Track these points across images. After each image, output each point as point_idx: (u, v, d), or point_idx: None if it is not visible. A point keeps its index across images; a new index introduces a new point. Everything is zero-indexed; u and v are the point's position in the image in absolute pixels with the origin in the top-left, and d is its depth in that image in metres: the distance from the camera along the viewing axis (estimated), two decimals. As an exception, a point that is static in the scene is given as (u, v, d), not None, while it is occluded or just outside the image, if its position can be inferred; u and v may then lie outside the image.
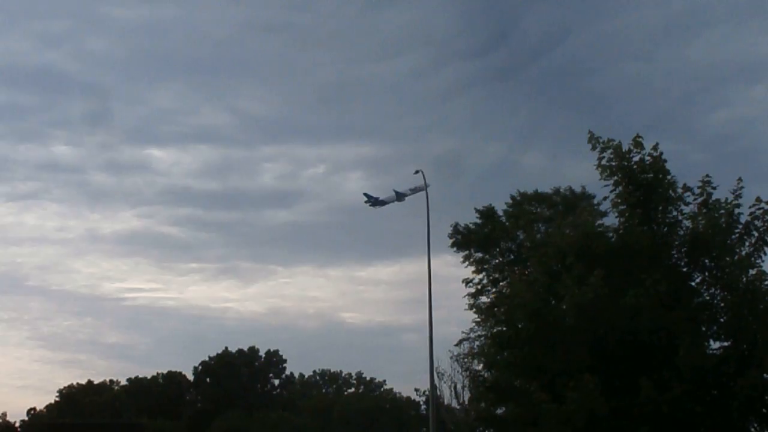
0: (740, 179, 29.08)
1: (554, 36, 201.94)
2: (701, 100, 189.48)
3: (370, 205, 66.07)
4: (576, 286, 27.00)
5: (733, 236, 28.89)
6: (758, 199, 28.85)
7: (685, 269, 29.05)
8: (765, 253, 28.90)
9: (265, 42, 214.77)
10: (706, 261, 28.73)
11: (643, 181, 28.80)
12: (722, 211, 28.75)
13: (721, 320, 28.46)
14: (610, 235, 29.31)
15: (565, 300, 27.48)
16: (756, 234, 28.87)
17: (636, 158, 29.13)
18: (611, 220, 30.38)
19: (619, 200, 29.18)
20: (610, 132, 29.74)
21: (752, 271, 28.38)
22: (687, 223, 29.15)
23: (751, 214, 28.88)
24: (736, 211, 28.86)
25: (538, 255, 30.34)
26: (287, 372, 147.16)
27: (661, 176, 28.91)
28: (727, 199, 28.97)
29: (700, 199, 29.23)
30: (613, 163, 29.20)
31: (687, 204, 29.36)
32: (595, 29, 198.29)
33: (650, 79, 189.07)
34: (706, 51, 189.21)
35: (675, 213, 29.34)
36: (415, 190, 64.89)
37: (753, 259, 28.78)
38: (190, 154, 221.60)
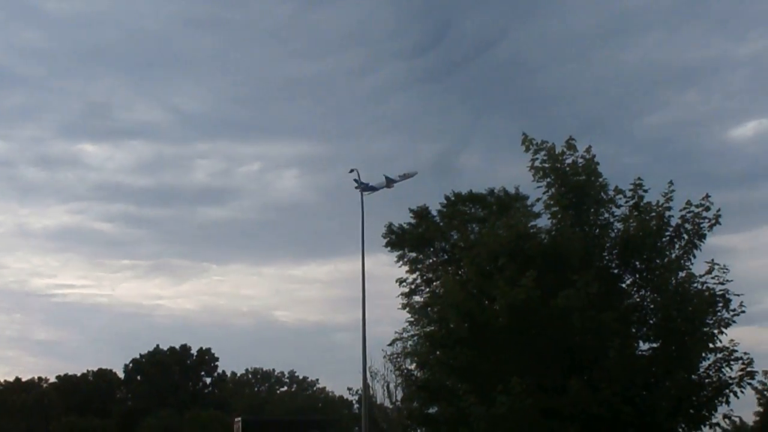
0: (671, 182, 29.54)
1: (490, 37, 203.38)
2: (635, 103, 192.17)
3: (360, 190, 65.69)
4: (508, 286, 27.05)
5: (664, 239, 29.18)
6: (689, 202, 29.29)
7: (616, 271, 29.25)
8: (694, 256, 29.30)
9: (200, 38, 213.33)
10: (637, 263, 28.95)
11: (575, 183, 28.96)
12: (653, 214, 29.06)
13: (651, 322, 28.76)
14: (543, 236, 29.46)
15: (498, 301, 27.55)
16: (686, 237, 29.24)
17: (569, 160, 29.34)
18: (544, 221, 30.52)
19: (552, 202, 29.30)
20: (545, 134, 29.96)
21: (681, 274, 28.80)
22: (618, 225, 29.34)
23: (681, 217, 29.29)
24: (667, 213, 29.20)
25: (470, 255, 30.36)
26: (219, 370, 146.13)
27: (593, 178, 29.13)
28: (658, 201, 29.32)
29: (631, 202, 29.49)
30: (546, 165, 29.35)
31: (619, 206, 29.59)
32: (530, 31, 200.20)
33: (585, 82, 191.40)
34: (640, 55, 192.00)
35: (607, 215, 29.54)
36: (404, 177, 65.09)
37: (682, 261, 29.15)
38: (123, 149, 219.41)
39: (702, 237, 29.28)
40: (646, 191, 29.52)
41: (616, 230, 29.34)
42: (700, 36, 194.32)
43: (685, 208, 29.22)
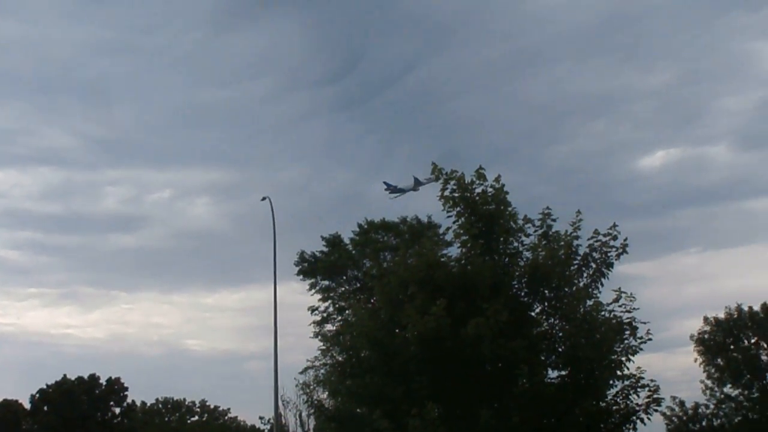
0: (579, 212, 29.99)
1: (402, 66, 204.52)
2: (545, 133, 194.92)
3: (389, 193, 64.93)
4: (418, 315, 27.05)
5: (572, 267, 29.58)
6: (596, 232, 29.78)
7: (525, 299, 29.42)
8: (602, 284, 29.76)
9: (110, 64, 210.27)
10: (546, 291, 29.20)
11: (485, 212, 29.13)
12: (561, 243, 29.46)
13: (560, 350, 29.00)
14: (453, 265, 29.52)
15: (408, 329, 27.50)
16: (594, 265, 29.72)
17: (479, 190, 29.51)
18: (456, 250, 30.62)
19: (462, 231, 29.42)
20: (456, 163, 30.13)
21: (589, 302, 29.16)
22: (527, 254, 29.59)
23: (589, 245, 29.76)
24: (575, 242, 29.65)
25: (381, 284, 30.30)
26: (129, 400, 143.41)
27: (502, 208, 29.33)
28: (566, 231, 29.74)
29: (540, 231, 29.84)
30: (456, 194, 29.49)
31: (528, 235, 29.89)
32: (442, 61, 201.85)
33: (495, 112, 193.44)
34: (550, 85, 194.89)
35: (516, 244, 29.77)
36: (429, 180, 64.45)
37: (590, 290, 29.59)
38: (30, 176, 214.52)
39: (609, 265, 29.77)
40: (554, 220, 29.95)
41: (525, 259, 29.55)
42: (609, 67, 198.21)
43: (592, 237, 29.72)
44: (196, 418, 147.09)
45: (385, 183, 67.57)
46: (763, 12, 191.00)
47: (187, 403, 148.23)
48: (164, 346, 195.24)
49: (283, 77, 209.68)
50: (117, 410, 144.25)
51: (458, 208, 29.53)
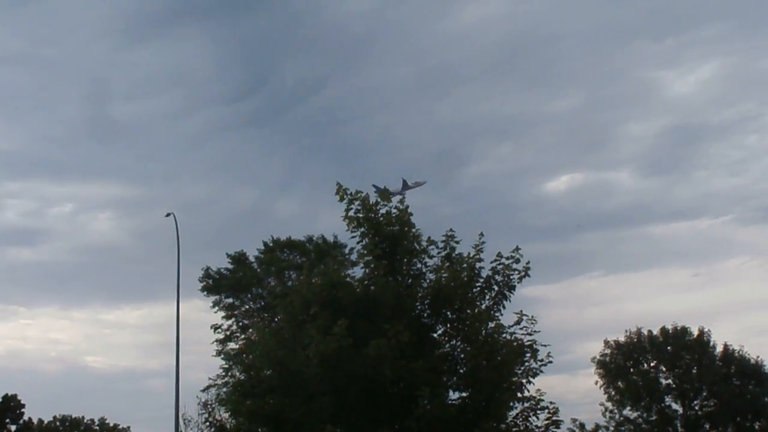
0: (482, 234, 30.19)
1: (311, 85, 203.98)
2: (452, 154, 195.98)
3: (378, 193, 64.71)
4: (320, 335, 26.92)
5: (475, 289, 29.75)
6: (499, 255, 30.03)
7: (427, 321, 29.48)
8: (504, 307, 30.00)
9: (14, 75, 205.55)
10: (448, 313, 29.31)
11: (389, 233, 29.19)
12: (464, 265, 29.63)
13: (461, 371, 29.11)
14: (356, 285, 29.45)
15: (309, 349, 27.31)
16: (496, 288, 29.95)
17: (383, 210, 29.55)
18: (360, 270, 30.56)
19: (365, 251, 29.43)
20: (363, 183, 30.16)
21: (491, 324, 29.31)
22: (431, 275, 29.70)
23: (492, 268, 29.96)
24: (478, 265, 29.83)
25: (284, 303, 30.12)
26: (26, 417, 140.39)
27: (406, 229, 29.43)
28: (469, 253, 29.92)
29: (443, 253, 30.01)
30: (361, 215, 29.48)
31: (431, 257, 30.01)
32: (352, 80, 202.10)
33: (404, 132, 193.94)
34: (458, 107, 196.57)
35: (419, 265, 29.90)
36: (417, 184, 63.48)
37: (492, 312, 29.80)
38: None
39: (512, 288, 30.04)
40: (458, 242, 30.15)
41: (428, 280, 29.66)
42: (516, 91, 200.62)
43: (495, 260, 29.97)
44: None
45: (374, 186, 68.53)
46: (667, 42, 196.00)
47: (85, 420, 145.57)
48: (63, 362, 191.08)
49: (190, 93, 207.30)
50: (13, 428, 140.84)
51: (362, 229, 29.53)
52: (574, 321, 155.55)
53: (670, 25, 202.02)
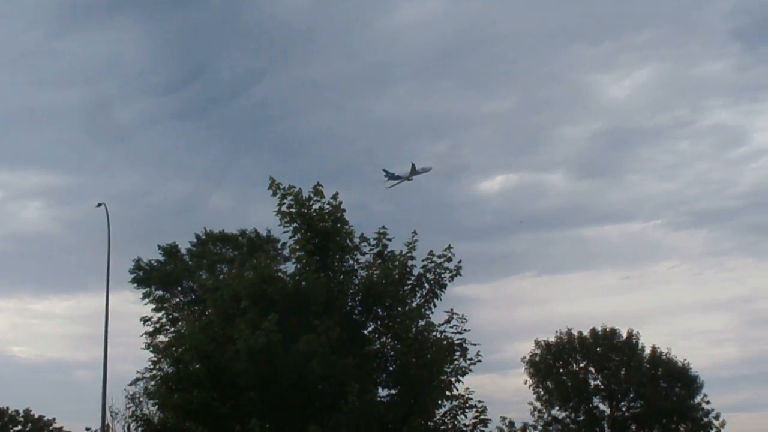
0: (414, 232, 30.26)
1: (248, 78, 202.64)
2: (387, 152, 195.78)
3: (386, 180, 65.29)
4: (249, 330, 26.77)
5: (406, 287, 29.81)
6: (431, 253, 30.11)
7: (358, 317, 29.50)
8: (435, 305, 30.10)
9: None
10: (379, 310, 29.41)
11: (321, 229, 29.15)
12: (396, 263, 29.64)
13: (391, 368, 29.16)
14: (288, 280, 29.32)
15: (238, 344, 27.11)
16: (427, 286, 30.04)
17: (316, 206, 29.46)
18: (292, 266, 30.42)
19: (297, 247, 29.31)
20: (298, 178, 30.02)
21: (422, 322, 29.42)
22: (362, 272, 29.72)
23: (424, 266, 30.05)
24: (410, 263, 29.88)
25: (214, 297, 29.89)
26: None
27: (339, 225, 29.43)
28: (401, 251, 29.96)
29: (376, 250, 30.09)
30: (293, 210, 29.35)
31: (363, 254, 30.08)
32: (287, 75, 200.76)
33: (339, 129, 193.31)
34: (393, 105, 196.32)
35: (351, 262, 29.91)
36: (423, 170, 63.17)
37: (423, 310, 29.89)
38: None
39: (443, 287, 30.17)
40: (390, 240, 30.22)
41: (359, 277, 29.67)
42: (452, 91, 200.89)
43: (427, 258, 30.05)
44: (19, 427, 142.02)
45: (384, 170, 69.92)
46: (603, 45, 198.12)
47: (10, 411, 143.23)
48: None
49: (125, 82, 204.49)
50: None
51: (295, 224, 29.41)
52: (505, 320, 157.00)
53: (607, 30, 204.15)
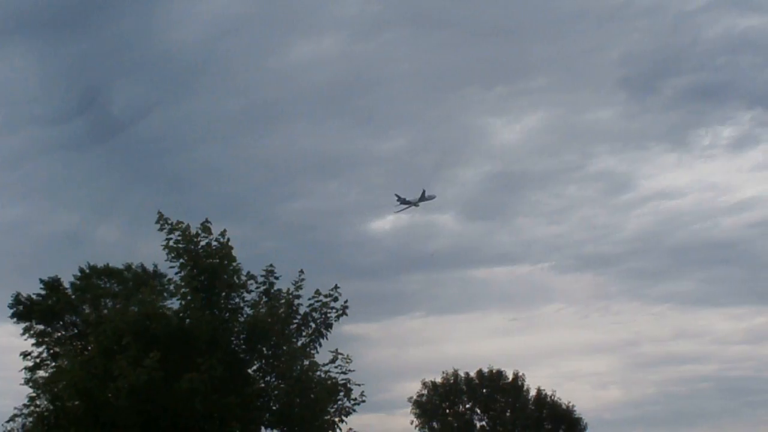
0: (302, 271, 30.21)
1: (139, 110, 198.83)
2: (279, 189, 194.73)
3: (398, 204, 69.78)
4: (131, 367, 26.29)
5: (292, 326, 29.66)
6: (317, 292, 30.03)
7: (243, 356, 29.17)
8: (320, 344, 30.01)
9: None
10: (264, 349, 29.15)
11: (208, 266, 28.85)
12: (283, 301, 29.54)
13: (274, 408, 28.92)
14: (172, 317, 28.93)
15: (119, 381, 26.58)
16: (313, 325, 29.93)
17: (204, 242, 29.18)
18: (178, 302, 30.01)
19: (183, 283, 28.96)
20: (187, 213, 29.72)
21: (306, 361, 29.26)
22: (249, 310, 29.47)
23: (310, 305, 29.93)
24: (297, 301, 29.78)
25: (97, 332, 29.31)
26: None
27: (226, 262, 29.16)
28: (288, 289, 29.83)
29: (262, 288, 29.85)
30: (181, 246, 29.03)
31: (250, 291, 29.78)
32: (179, 109, 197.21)
33: (230, 164, 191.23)
34: (286, 142, 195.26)
35: (238, 300, 29.57)
36: (430, 197, 65.51)
37: (308, 349, 29.79)
38: None
39: (329, 326, 30.10)
40: (277, 278, 30.06)
41: (245, 315, 29.39)
42: (345, 129, 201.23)
43: (313, 297, 29.95)
44: None
45: (396, 195, 74.90)
46: (496, 90, 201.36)
47: None
48: None
49: (12, 111, 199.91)
50: None
51: (182, 260, 29.07)
52: (394, 360, 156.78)
53: (500, 74, 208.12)
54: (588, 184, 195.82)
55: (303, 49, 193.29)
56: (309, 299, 29.97)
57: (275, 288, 29.97)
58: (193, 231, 29.25)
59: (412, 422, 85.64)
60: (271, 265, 30.06)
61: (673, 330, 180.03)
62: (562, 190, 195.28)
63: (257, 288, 29.89)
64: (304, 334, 29.90)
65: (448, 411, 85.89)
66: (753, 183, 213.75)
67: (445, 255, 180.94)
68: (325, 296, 30.01)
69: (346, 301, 30.15)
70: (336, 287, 30.08)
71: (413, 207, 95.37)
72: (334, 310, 30.06)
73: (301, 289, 29.94)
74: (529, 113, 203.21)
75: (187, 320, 28.46)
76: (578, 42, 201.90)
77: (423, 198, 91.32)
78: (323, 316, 29.98)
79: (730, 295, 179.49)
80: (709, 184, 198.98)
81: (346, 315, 30.19)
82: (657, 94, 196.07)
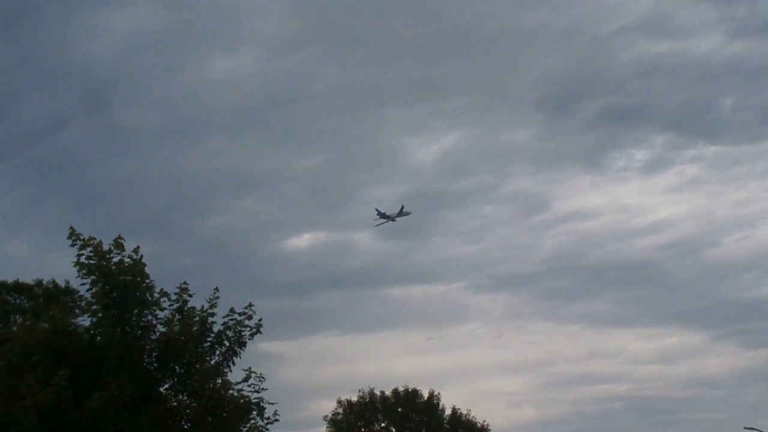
0: (217, 289, 29.93)
1: (51, 123, 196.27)
2: (195, 204, 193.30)
3: (377, 218, 73.69)
4: (39, 385, 25.79)
5: (206, 344, 29.37)
6: (232, 310, 29.82)
7: (155, 374, 28.80)
8: (234, 363, 29.80)
9: None
10: (177, 367, 28.84)
11: (120, 282, 28.44)
12: (196, 319, 29.20)
13: (186, 427, 28.66)
14: (82, 334, 28.48)
15: (26, 399, 26.05)
16: (227, 343, 29.66)
17: (116, 259, 28.78)
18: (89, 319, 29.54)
19: (94, 300, 28.50)
20: (99, 228, 29.35)
21: (219, 380, 29.04)
22: (161, 328, 29.10)
23: (224, 323, 29.67)
24: (210, 319, 29.46)
25: (4, 350, 28.66)
26: None
27: (139, 279, 28.78)
28: (203, 306, 29.54)
29: (176, 305, 29.48)
30: (93, 262, 28.60)
31: (163, 309, 29.37)
32: (92, 123, 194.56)
33: (145, 179, 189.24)
34: (202, 158, 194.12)
35: (150, 317, 29.16)
36: (407, 213, 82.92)
37: (222, 368, 29.57)
38: None
39: (243, 344, 29.84)
40: (191, 295, 29.68)
41: (158, 333, 29.03)
42: (261, 146, 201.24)
43: (228, 315, 29.71)
44: None
45: (376, 209, 78.99)
46: (415, 109, 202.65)
47: None
48: None
49: None
50: None
51: (93, 276, 28.61)
52: (309, 379, 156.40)
53: (419, 93, 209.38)
54: (504, 204, 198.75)
55: (221, 64, 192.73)
56: (223, 317, 29.69)
57: (189, 306, 29.57)
58: (106, 247, 28.83)
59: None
60: (185, 283, 29.72)
61: (587, 350, 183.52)
62: (478, 210, 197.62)
63: (170, 305, 29.45)
64: (217, 352, 29.58)
65: (363, 430, 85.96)
66: (665, 205, 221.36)
67: (362, 273, 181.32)
68: (240, 314, 29.77)
69: (260, 320, 29.96)
70: (250, 305, 29.92)
71: (390, 222, 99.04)
72: (248, 329, 29.82)
73: (216, 307, 29.62)
74: (446, 133, 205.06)
75: (98, 338, 27.96)
76: (496, 62, 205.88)
77: (401, 213, 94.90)
78: (237, 334, 29.71)
79: (643, 316, 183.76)
80: (622, 206, 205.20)
81: (261, 333, 29.96)
82: (572, 116, 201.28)
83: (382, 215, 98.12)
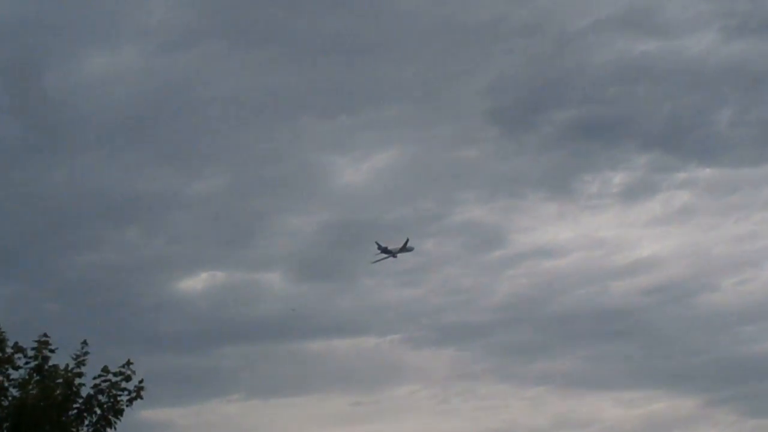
0: (85, 342, 26.55)
1: None
2: (63, 238, 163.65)
3: (378, 253, 74.06)
4: None
5: (72, 412, 26.14)
6: (106, 370, 26.64)
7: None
8: (109, 435, 26.59)
9: None
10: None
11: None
12: (60, 380, 25.81)
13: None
14: None
15: None
16: (99, 411, 26.42)
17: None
18: None
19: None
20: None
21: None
22: (15, 391, 25.69)
23: (95, 386, 26.38)
24: (78, 381, 26.12)
25: None
26: None
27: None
28: (68, 365, 26.14)
29: (34, 363, 25.98)
30: None
31: (17, 368, 25.99)
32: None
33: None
34: (67, 179, 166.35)
35: (1, 378, 25.69)
36: (409, 249, 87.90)
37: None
38: None
39: (119, 412, 26.72)
40: (53, 351, 26.27)
41: (11, 397, 25.61)
42: (146, 164, 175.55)
43: (100, 376, 26.42)
44: None
45: (377, 243, 79.11)
46: (339, 120, 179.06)
47: None
48: None
49: None
50: None
51: None
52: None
53: (344, 102, 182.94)
54: (450, 237, 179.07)
55: (95, 62, 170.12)
56: (94, 378, 26.40)
57: (50, 363, 26.07)
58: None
59: None
60: (45, 335, 26.25)
61: (552, 418, 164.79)
62: (418, 244, 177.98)
63: (27, 363, 25.97)
64: (86, 422, 26.28)
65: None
66: (649, 240, 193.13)
67: (273, 322, 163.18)
68: (115, 374, 26.58)
69: (141, 381, 26.79)
70: (129, 363, 26.63)
71: (391, 258, 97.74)
72: (126, 392, 26.58)
73: (84, 365, 26.31)
74: (378, 149, 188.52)
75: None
76: (440, 64, 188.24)
77: (405, 248, 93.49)
78: (112, 399, 26.41)
79: (622, 376, 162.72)
80: (596, 241, 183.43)
81: (142, 398, 26.88)
82: (534, 130, 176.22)
83: (384, 249, 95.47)
